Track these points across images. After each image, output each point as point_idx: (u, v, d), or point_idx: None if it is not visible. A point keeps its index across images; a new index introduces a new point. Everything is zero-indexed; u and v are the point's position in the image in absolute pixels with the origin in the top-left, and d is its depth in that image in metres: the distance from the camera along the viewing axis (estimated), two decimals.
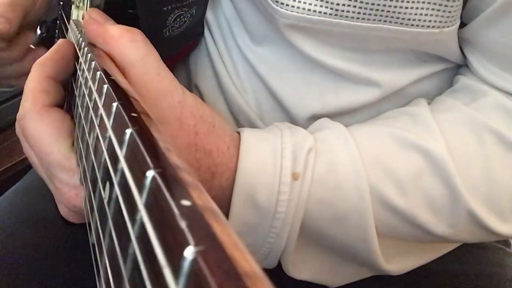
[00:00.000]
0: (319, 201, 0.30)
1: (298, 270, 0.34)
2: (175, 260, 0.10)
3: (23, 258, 0.42)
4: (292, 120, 0.36)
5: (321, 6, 0.31)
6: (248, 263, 0.09)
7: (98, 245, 0.17)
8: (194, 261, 0.09)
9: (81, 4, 0.37)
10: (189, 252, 0.09)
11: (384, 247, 0.32)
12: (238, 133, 0.31)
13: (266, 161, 0.29)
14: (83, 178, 0.23)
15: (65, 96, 0.31)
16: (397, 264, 0.35)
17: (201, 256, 0.09)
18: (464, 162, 0.31)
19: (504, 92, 0.33)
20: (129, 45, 0.26)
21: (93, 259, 0.18)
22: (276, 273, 0.33)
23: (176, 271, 0.10)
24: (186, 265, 0.09)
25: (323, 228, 0.31)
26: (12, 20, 0.40)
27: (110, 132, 0.17)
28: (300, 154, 0.30)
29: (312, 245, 0.33)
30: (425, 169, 0.31)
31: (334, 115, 0.35)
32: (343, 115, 0.36)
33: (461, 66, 0.37)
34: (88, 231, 0.20)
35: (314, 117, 0.35)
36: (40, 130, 0.27)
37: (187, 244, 0.10)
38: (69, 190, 0.26)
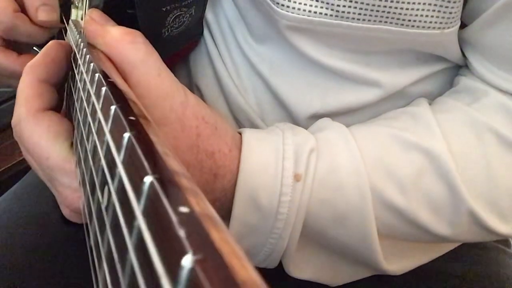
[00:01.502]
0: (320, 201, 0.30)
1: (299, 270, 0.34)
2: (172, 269, 0.10)
3: (23, 258, 0.42)
4: (293, 119, 0.36)
5: (321, 7, 0.31)
6: (246, 271, 0.09)
7: (96, 249, 0.17)
8: (192, 270, 0.09)
9: (80, 4, 0.37)
10: (187, 261, 0.09)
11: (384, 247, 0.32)
12: (240, 134, 0.31)
13: (268, 162, 0.29)
14: (81, 182, 0.23)
15: (61, 98, 0.30)
16: (397, 264, 0.35)
17: (199, 265, 0.09)
18: (465, 162, 0.31)
19: (504, 92, 0.33)
20: (130, 47, 0.26)
21: (90, 262, 0.18)
22: (277, 272, 0.33)
23: (173, 280, 0.09)
24: (184, 274, 0.09)
25: (324, 228, 0.31)
26: (56, 7, 0.36)
27: (108, 137, 0.16)
28: (302, 155, 0.29)
29: (313, 245, 0.33)
30: (426, 169, 0.31)
31: (335, 115, 0.35)
32: (343, 115, 0.36)
33: (462, 67, 0.37)
34: (86, 235, 0.20)
35: (315, 117, 0.35)
36: (37, 134, 0.26)
37: (185, 253, 0.10)
38: (71, 193, 0.26)
